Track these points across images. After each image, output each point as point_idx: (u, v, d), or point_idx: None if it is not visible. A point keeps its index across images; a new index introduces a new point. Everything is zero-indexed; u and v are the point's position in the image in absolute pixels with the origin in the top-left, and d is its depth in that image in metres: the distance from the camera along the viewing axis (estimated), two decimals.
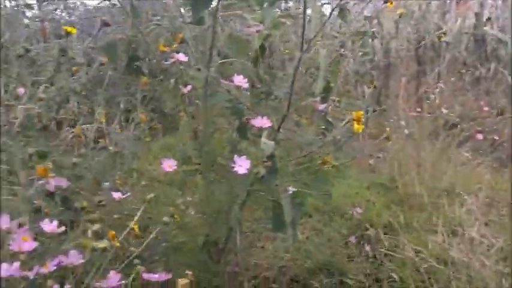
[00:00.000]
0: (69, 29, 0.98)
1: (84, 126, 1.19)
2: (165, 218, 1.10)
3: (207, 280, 1.35)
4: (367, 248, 1.82)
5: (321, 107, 1.24)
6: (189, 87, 1.32)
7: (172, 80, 1.38)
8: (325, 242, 1.88)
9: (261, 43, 1.37)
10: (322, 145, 1.15)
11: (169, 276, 0.82)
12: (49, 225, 0.79)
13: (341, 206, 2.08)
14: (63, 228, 0.79)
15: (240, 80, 1.12)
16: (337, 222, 2.02)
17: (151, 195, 0.87)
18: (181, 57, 1.13)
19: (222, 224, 1.34)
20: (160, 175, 1.79)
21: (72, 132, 1.20)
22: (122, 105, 1.20)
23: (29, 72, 1.05)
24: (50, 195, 1.08)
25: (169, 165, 1.17)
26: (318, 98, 1.23)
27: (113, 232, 0.97)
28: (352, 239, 1.81)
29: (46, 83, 1.04)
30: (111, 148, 1.16)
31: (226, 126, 1.57)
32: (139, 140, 1.42)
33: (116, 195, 0.93)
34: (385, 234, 1.93)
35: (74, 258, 0.75)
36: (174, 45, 1.14)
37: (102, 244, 0.73)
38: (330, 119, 1.24)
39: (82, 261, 0.74)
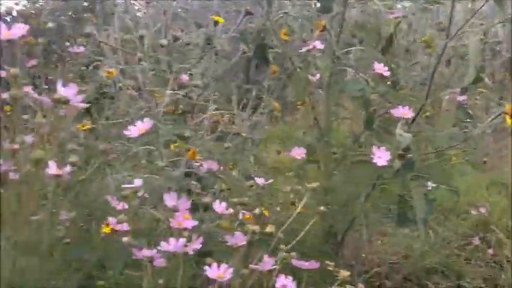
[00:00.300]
0: (216, 18, 1.01)
1: (217, 112, 1.23)
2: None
3: (326, 272, 1.34)
4: (490, 251, 1.70)
5: (461, 98, 1.17)
6: (317, 76, 1.31)
7: (299, 69, 1.38)
8: (440, 242, 1.79)
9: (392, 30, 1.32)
10: (464, 139, 1.08)
11: (318, 265, 0.82)
12: (219, 206, 0.83)
13: (457, 205, 1.96)
14: (231, 210, 0.82)
15: (380, 68, 1.08)
16: (453, 221, 1.91)
17: (315, 184, 0.87)
18: (318, 44, 1.12)
19: (344, 216, 1.33)
20: (276, 162, 1.82)
21: (204, 118, 1.25)
22: (253, 93, 1.22)
23: (174, 60, 1.11)
24: (188, 176, 1.14)
25: (298, 153, 1.18)
26: (458, 89, 1.16)
27: (249, 216, 1.00)
28: (476, 241, 1.70)
29: (190, 70, 1.09)
30: (244, 134, 1.19)
31: (347, 116, 1.55)
32: (263, 127, 1.44)
33: (260, 181, 0.95)
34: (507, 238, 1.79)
35: (239, 239, 0.78)
36: (316, 33, 1.13)
37: (269, 229, 0.74)
38: (470, 112, 1.16)
39: (245, 243, 0.76)
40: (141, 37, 0.92)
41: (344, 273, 0.69)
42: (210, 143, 1.22)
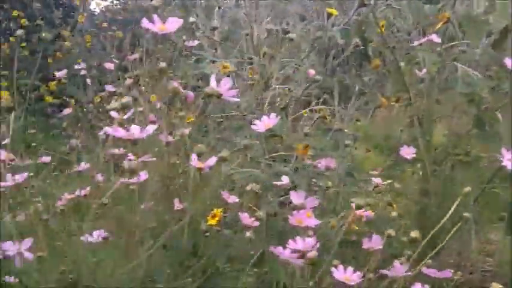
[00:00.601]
0: (330, 10, 0.98)
1: (319, 107, 1.20)
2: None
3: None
4: None
5: None
6: (424, 71, 1.24)
7: (402, 63, 1.32)
8: None
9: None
10: None
11: (450, 274, 0.77)
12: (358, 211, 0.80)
13: None
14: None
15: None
16: None
17: (468, 188, 0.82)
18: (435, 38, 1.05)
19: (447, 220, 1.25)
20: (365, 160, 1.76)
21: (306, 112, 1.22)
22: (356, 88, 1.17)
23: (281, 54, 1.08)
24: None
25: (407, 152, 1.12)
26: None
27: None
28: None
29: (298, 64, 1.06)
30: (346, 130, 1.15)
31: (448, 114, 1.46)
32: (355, 122, 1.40)
33: (377, 180, 0.91)
34: None
35: (375, 243, 0.74)
36: (438, 26, 1.06)
37: (414, 234, 0.70)
38: None
39: (381, 247, 0.73)
40: (269, 31, 0.90)
41: (496, 286, 0.64)
42: (311, 138, 1.19)
